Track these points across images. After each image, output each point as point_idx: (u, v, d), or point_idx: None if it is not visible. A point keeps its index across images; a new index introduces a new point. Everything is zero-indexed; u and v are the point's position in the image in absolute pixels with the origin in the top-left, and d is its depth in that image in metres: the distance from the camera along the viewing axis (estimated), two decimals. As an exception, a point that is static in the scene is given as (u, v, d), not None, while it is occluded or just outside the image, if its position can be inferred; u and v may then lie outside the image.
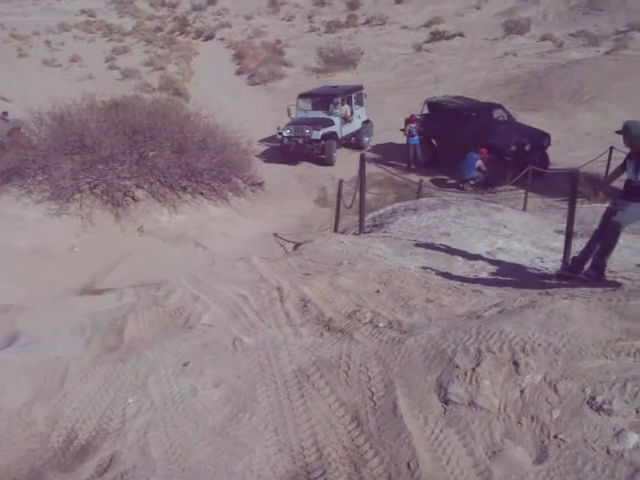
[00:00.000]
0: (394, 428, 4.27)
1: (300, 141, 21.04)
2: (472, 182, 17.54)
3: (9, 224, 12.62)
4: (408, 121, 20.51)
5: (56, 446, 4.84)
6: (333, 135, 21.61)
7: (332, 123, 21.74)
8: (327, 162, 21.11)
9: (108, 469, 4.46)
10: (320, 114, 22.20)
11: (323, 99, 22.86)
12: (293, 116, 22.22)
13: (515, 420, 4.06)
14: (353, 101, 22.95)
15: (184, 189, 14.82)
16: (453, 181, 18.15)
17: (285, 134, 21.24)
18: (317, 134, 21.01)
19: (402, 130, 20.85)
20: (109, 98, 17.93)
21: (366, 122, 23.81)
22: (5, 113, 20.49)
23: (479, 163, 17.41)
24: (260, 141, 22.57)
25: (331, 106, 22.25)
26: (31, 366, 5.78)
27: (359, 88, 24.13)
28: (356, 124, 23.06)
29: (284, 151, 21.45)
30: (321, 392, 4.84)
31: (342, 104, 22.34)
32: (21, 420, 5.11)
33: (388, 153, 21.65)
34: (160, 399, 5.10)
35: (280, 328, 6.05)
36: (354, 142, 23.00)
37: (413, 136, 20.24)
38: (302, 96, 23.43)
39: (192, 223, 14.18)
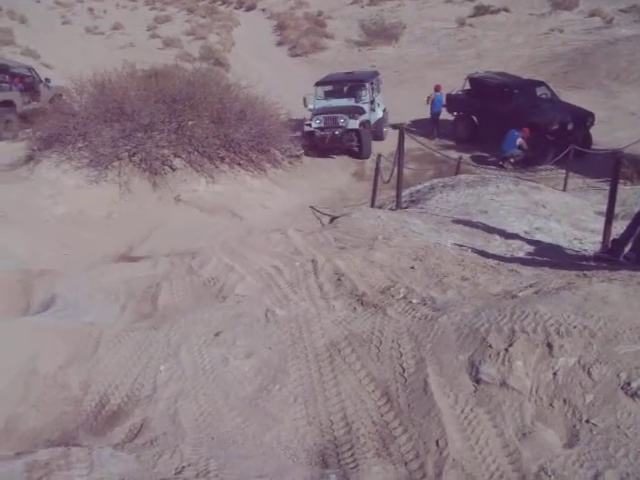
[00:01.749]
0: (424, 405, 4.25)
1: (337, 132, 18.57)
2: (512, 160, 17.33)
3: (49, 190, 12.77)
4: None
5: (89, 410, 4.91)
6: (367, 124, 19.39)
7: (363, 111, 19.37)
8: (363, 155, 18.73)
9: (138, 435, 4.51)
10: (346, 102, 19.84)
11: (347, 85, 20.55)
12: (311, 106, 19.70)
13: (547, 402, 4.02)
14: (374, 87, 20.58)
15: (222, 159, 14.84)
16: (493, 158, 17.95)
17: (315, 125, 18.77)
18: (354, 123, 18.71)
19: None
20: (150, 67, 17.99)
21: (384, 110, 21.60)
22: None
23: (520, 141, 17.19)
24: None
25: (359, 92, 19.95)
26: (66, 330, 5.85)
27: (377, 74, 21.96)
28: (379, 112, 20.77)
29: (317, 144, 18.78)
30: (352, 367, 4.83)
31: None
32: (56, 383, 5.19)
33: (427, 128, 21.45)
34: (191, 368, 5.13)
35: (313, 301, 6.05)
36: (373, 132, 20.19)
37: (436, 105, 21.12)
38: (321, 83, 20.77)
39: (229, 193, 14.21)
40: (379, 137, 20.40)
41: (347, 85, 20.55)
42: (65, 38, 36.81)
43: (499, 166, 17.24)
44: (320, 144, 18.75)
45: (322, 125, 18.72)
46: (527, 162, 17.16)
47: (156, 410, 4.75)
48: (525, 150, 17.26)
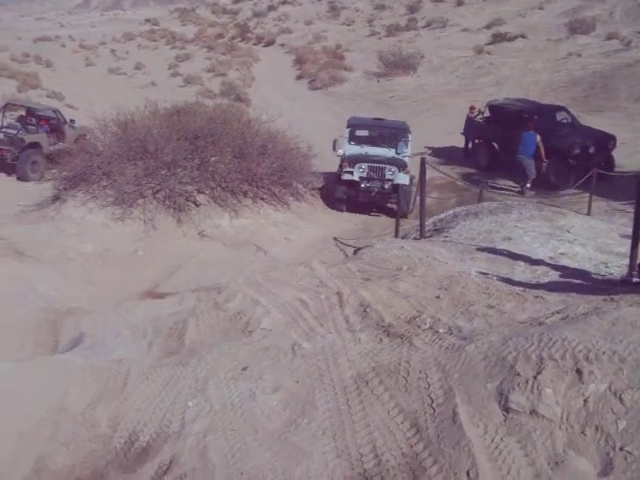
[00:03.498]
0: (453, 436, 4.22)
1: (386, 186, 16.36)
2: (528, 185, 17.22)
3: (75, 228, 12.90)
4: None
5: (118, 447, 4.93)
6: (412, 180, 16.50)
7: (406, 165, 16.79)
8: (404, 213, 15.10)
9: (168, 471, 4.53)
10: (385, 151, 17.20)
11: (385, 133, 17.88)
12: (341, 151, 17.20)
13: (578, 430, 3.97)
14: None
15: (245, 194, 14.90)
16: (514, 185, 17.84)
17: (358, 174, 16.41)
18: (404, 177, 16.35)
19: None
20: (171, 104, 18.20)
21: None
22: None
23: (539, 138, 17.03)
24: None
25: (400, 143, 17.35)
26: (95, 368, 5.89)
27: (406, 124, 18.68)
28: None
29: (358, 196, 16.63)
30: (380, 398, 4.81)
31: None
32: (85, 421, 5.21)
33: (449, 157, 21.47)
34: (219, 403, 5.14)
35: (339, 333, 6.05)
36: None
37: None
38: (355, 127, 17.92)
39: (253, 227, 14.27)
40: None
41: (385, 132, 17.99)
42: (89, 80, 37.46)
43: (518, 193, 17.13)
44: (364, 197, 16.70)
45: (364, 175, 16.52)
46: (550, 187, 17.07)
47: (185, 446, 4.76)
48: (540, 158, 17.13)
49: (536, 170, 17.17)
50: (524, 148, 17.12)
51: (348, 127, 17.89)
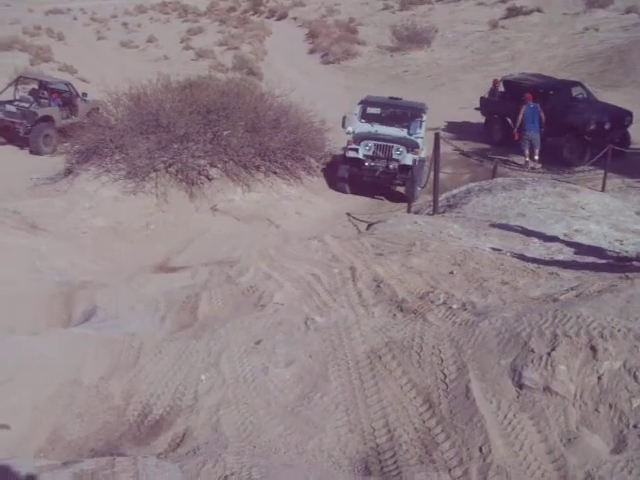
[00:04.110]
0: (466, 411, 4.22)
1: (391, 166, 15.38)
2: (537, 158, 17.08)
3: (87, 202, 12.94)
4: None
5: (131, 420, 4.96)
6: (422, 162, 15.69)
7: (417, 145, 15.85)
8: (411, 197, 13.99)
9: (181, 444, 4.54)
10: (396, 131, 16.20)
11: (397, 112, 17.12)
12: (350, 129, 16.08)
13: (592, 407, 3.97)
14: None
15: (257, 168, 14.88)
16: (526, 159, 17.67)
17: (364, 152, 15.53)
18: (410, 158, 15.33)
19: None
20: (184, 78, 18.13)
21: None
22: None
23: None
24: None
25: (413, 124, 16.29)
26: (108, 341, 5.92)
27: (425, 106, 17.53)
28: (423, 152, 16.20)
29: (362, 175, 15.71)
30: (393, 373, 4.81)
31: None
32: (99, 393, 5.24)
33: (463, 132, 21.30)
34: (232, 377, 5.15)
35: (352, 308, 6.04)
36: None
37: None
38: (367, 104, 17.08)
39: (265, 202, 14.27)
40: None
41: (398, 112, 17.16)
42: (101, 53, 37.39)
43: (532, 169, 16.97)
44: (367, 176, 15.74)
45: (370, 154, 15.59)
46: (564, 163, 16.94)
47: (198, 419, 4.78)
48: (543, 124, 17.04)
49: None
50: (532, 124, 17.02)
51: (360, 104, 17.03)
